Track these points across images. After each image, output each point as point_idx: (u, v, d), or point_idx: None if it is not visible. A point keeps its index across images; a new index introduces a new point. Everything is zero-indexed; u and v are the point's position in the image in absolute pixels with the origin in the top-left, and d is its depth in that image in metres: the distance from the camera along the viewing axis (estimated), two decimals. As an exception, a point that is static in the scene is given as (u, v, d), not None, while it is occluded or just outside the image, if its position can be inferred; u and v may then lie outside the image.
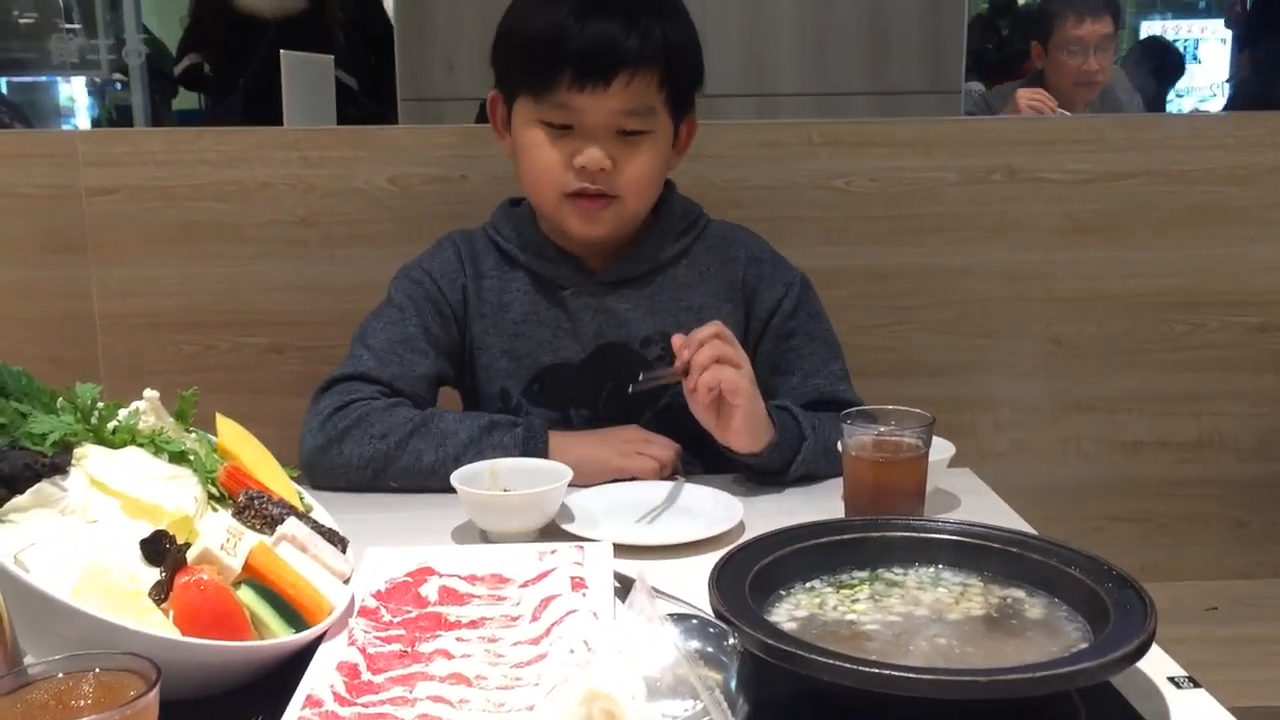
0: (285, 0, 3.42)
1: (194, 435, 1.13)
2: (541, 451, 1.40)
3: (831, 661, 0.81)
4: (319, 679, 0.90)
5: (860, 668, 0.81)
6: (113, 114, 6.57)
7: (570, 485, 1.28)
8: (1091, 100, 3.17)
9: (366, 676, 0.91)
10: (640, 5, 1.44)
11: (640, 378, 1.34)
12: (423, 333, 1.52)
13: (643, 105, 1.44)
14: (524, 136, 1.48)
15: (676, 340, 1.35)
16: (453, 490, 1.27)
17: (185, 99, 8.69)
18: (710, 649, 0.84)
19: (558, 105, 1.43)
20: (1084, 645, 0.89)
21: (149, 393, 1.11)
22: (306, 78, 2.82)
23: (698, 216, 1.59)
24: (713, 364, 1.32)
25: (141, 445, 1.06)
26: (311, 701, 0.86)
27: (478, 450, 1.39)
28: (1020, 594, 1.00)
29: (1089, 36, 3.10)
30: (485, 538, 1.27)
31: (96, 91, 6.56)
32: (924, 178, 1.96)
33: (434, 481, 1.38)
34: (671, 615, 0.85)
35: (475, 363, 1.56)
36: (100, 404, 1.06)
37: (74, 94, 6.50)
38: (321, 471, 1.42)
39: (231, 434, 1.15)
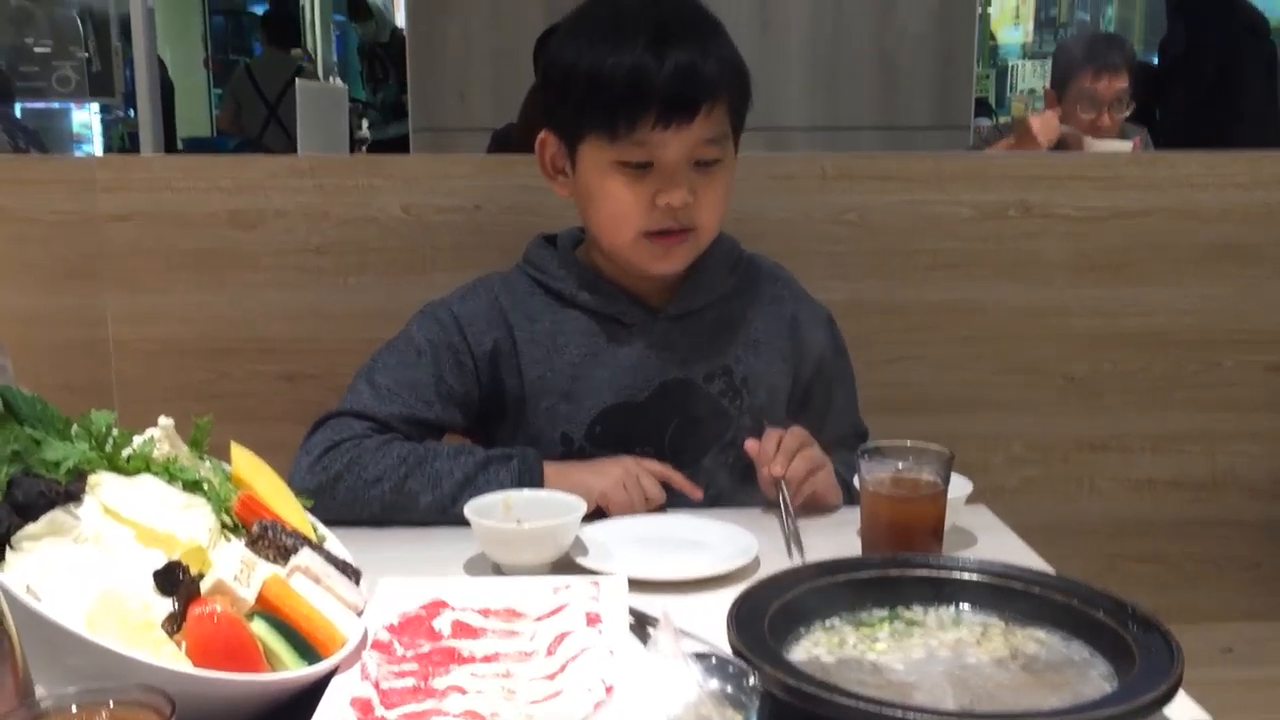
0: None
1: (208, 464, 1.12)
2: (537, 483, 1.38)
3: (855, 704, 0.80)
4: (332, 713, 0.89)
5: (884, 710, 0.80)
6: (125, 140, 6.61)
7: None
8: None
9: (380, 711, 0.90)
10: (706, 30, 1.43)
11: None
12: (434, 382, 1.47)
13: (719, 133, 1.42)
14: (596, 180, 1.43)
15: (753, 450, 1.40)
16: (465, 522, 1.26)
17: (195, 127, 8.76)
18: (730, 689, 0.83)
19: (638, 144, 1.39)
20: (1110, 689, 0.88)
21: (163, 420, 1.10)
22: (320, 106, 2.85)
23: (740, 250, 1.60)
24: (808, 475, 1.39)
25: (156, 473, 1.05)
26: (325, 736, 0.85)
27: (474, 488, 1.36)
28: (1041, 634, 0.99)
29: (1105, 94, 3.11)
30: (498, 570, 1.26)
31: (109, 119, 6.60)
32: (938, 212, 1.96)
33: (432, 520, 1.36)
34: (692, 654, 0.84)
35: (531, 409, 1.50)
36: (115, 431, 1.06)
37: (88, 120, 6.54)
38: (317, 514, 1.33)
39: (246, 463, 1.15)
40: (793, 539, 1.31)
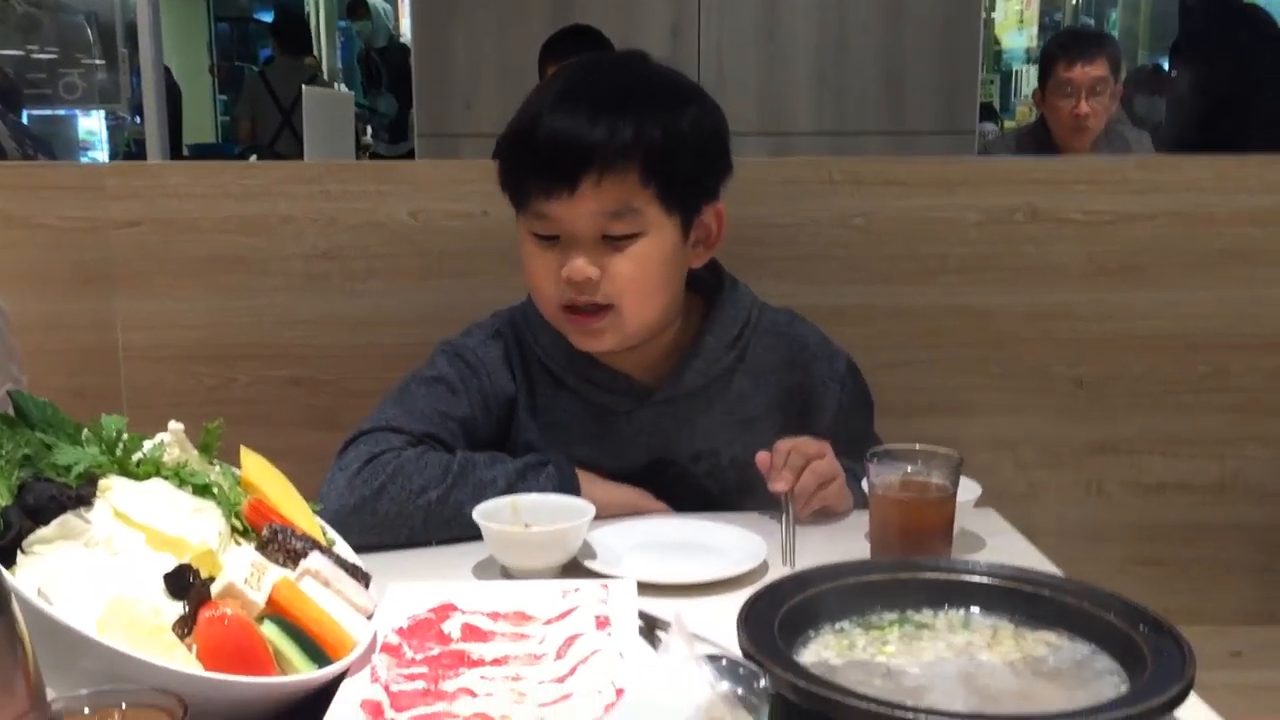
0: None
1: (218, 468, 1.13)
2: (574, 484, 1.38)
3: (866, 705, 0.80)
4: (342, 715, 0.89)
5: (894, 711, 0.80)
6: (131, 146, 6.64)
7: (598, 519, 1.27)
8: (1086, 145, 3.16)
9: (390, 714, 0.90)
10: (610, 98, 1.33)
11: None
12: (463, 418, 1.45)
13: (623, 206, 1.32)
14: (522, 250, 1.40)
15: (764, 462, 1.35)
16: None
17: (201, 133, 8.78)
18: (741, 691, 0.83)
19: (537, 215, 1.35)
20: (1121, 691, 0.88)
21: (173, 425, 1.10)
22: (327, 113, 2.86)
23: (749, 313, 1.51)
24: (818, 489, 1.36)
25: (166, 477, 1.05)
26: (336, 740, 0.85)
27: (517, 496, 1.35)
28: (1052, 637, 0.98)
29: (1080, 80, 3.11)
30: (507, 574, 1.26)
31: (115, 125, 6.63)
32: (945, 217, 1.96)
33: (474, 531, 1.30)
34: (704, 656, 0.84)
35: None
36: (125, 436, 1.06)
37: (94, 127, 6.57)
38: (352, 533, 1.24)
39: (255, 467, 1.15)
40: (789, 553, 1.29)
